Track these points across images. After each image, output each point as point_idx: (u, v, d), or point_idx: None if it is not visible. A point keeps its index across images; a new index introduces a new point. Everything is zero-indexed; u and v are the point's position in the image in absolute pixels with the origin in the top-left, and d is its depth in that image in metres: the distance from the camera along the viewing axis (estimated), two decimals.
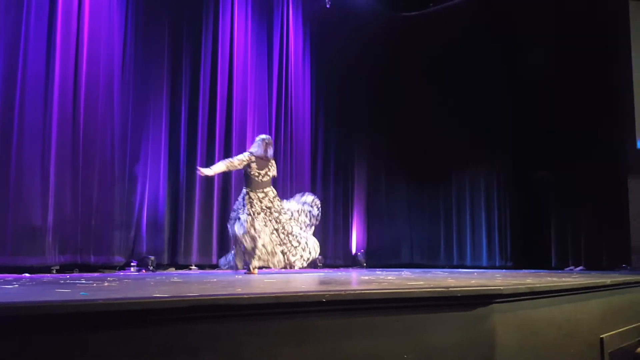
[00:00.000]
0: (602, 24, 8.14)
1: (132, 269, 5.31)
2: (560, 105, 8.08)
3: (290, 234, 4.98)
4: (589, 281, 3.10)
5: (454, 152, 8.62)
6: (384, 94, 8.53)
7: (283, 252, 4.90)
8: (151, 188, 5.71)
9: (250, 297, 1.69)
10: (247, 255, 4.74)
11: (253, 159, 4.99)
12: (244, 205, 4.87)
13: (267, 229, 4.83)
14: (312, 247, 5.13)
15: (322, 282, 2.89)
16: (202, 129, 6.20)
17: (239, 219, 4.82)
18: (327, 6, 7.82)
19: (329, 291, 1.86)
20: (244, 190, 4.98)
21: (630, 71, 8.39)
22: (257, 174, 4.95)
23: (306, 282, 2.85)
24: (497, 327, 2.21)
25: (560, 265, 7.89)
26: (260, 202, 4.89)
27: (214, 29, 6.44)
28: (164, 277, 3.69)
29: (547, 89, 8.26)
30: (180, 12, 6.14)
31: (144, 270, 5.23)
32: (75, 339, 1.40)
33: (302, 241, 5.05)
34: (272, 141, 5.20)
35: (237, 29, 6.67)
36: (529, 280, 2.99)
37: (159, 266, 5.54)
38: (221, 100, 6.42)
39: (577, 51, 8.04)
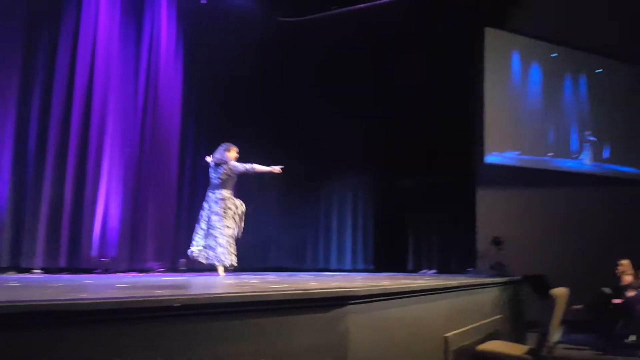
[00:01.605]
0: (462, 49, 8.87)
1: None
2: (423, 119, 8.65)
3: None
4: (437, 283, 3.32)
5: (325, 157, 8.82)
6: (259, 98, 8.46)
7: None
8: None
9: (92, 303, 1.56)
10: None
11: None
12: (229, 208, 5.29)
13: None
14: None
15: (179, 287, 2.77)
16: (55, 123, 5.64)
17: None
18: (202, 1, 7.61)
19: (182, 296, 1.78)
20: (229, 193, 5.37)
21: (483, 91, 9.24)
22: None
23: (161, 287, 2.71)
24: (351, 327, 2.27)
25: (416, 269, 8.42)
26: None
27: (77, 17, 5.95)
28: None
29: (413, 103, 8.80)
30: None
31: None
32: None
33: None
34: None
35: (102, 21, 6.22)
36: (385, 283, 3.12)
37: None
38: (80, 95, 5.90)
39: (441, 72, 8.67)
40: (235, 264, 5.34)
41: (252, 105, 8.37)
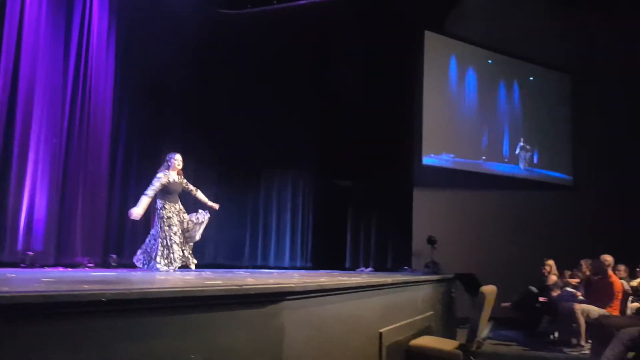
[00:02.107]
0: (401, 50, 9.05)
1: None
2: (363, 119, 8.77)
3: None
4: (372, 280, 3.36)
5: (265, 155, 8.78)
6: (195, 92, 8.29)
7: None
8: None
9: (13, 297, 1.47)
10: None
11: None
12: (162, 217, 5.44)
13: None
14: None
15: (108, 282, 2.67)
16: None
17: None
18: None
19: (110, 290, 1.71)
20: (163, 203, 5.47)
21: (422, 95, 9.48)
22: None
23: (90, 282, 2.61)
24: (286, 323, 2.26)
25: (353, 267, 8.53)
26: None
27: (1, 6, 5.64)
28: None
29: (353, 105, 8.90)
30: None
31: None
32: None
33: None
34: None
35: (29, 9, 5.90)
36: (321, 279, 3.13)
37: None
38: (3, 84, 5.61)
39: (380, 74, 8.80)
40: (170, 269, 5.31)
41: (188, 100, 8.20)
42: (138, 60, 7.53)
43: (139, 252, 5.47)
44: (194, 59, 8.20)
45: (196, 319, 1.96)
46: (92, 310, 1.65)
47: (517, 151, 10.58)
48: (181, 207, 5.59)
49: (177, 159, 5.58)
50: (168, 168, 5.54)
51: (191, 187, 5.78)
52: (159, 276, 3.86)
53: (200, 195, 5.83)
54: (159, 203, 5.47)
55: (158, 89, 7.80)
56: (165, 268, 5.25)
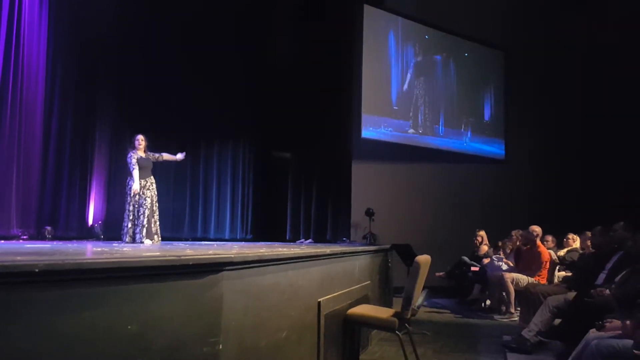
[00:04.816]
0: (341, 23, 9.05)
1: None
2: (303, 93, 8.76)
3: None
4: (311, 251, 3.43)
5: (205, 127, 8.65)
6: (133, 65, 8.00)
7: None
8: None
9: None
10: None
11: None
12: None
13: None
14: None
15: (43, 253, 2.61)
16: None
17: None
18: None
19: (43, 261, 1.69)
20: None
21: (361, 68, 9.55)
22: None
23: (23, 253, 2.54)
24: (225, 292, 2.29)
25: (294, 238, 8.62)
26: None
27: None
28: None
29: (293, 77, 8.87)
30: None
31: None
32: None
33: None
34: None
35: None
36: (261, 250, 3.17)
37: None
38: None
39: (320, 46, 8.77)
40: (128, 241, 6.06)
41: (124, 72, 7.95)
42: (72, 29, 7.27)
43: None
44: (131, 28, 7.92)
45: (133, 290, 1.96)
46: (25, 281, 1.63)
47: (452, 126, 10.90)
48: (148, 182, 6.23)
49: (138, 139, 6.35)
50: (134, 148, 6.28)
51: (156, 155, 6.47)
52: (95, 248, 3.79)
53: (166, 156, 6.59)
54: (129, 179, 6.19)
55: (91, 62, 7.55)
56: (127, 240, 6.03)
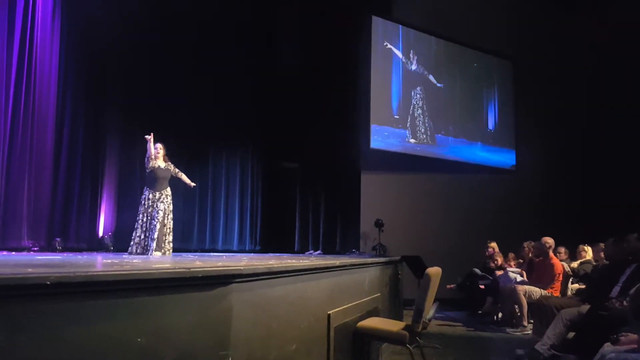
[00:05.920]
0: (349, 34, 9.10)
1: None
2: (311, 104, 8.79)
3: None
4: (320, 263, 3.41)
5: (213, 138, 8.69)
6: (143, 74, 8.07)
7: None
8: None
9: None
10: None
11: None
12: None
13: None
14: None
15: (54, 265, 2.61)
16: None
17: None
18: None
19: (54, 273, 1.69)
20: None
21: (369, 79, 9.57)
22: None
23: (34, 265, 2.55)
24: (234, 305, 2.27)
25: (302, 250, 8.60)
26: None
27: None
28: None
29: (301, 87, 8.90)
30: None
31: None
32: None
33: None
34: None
35: None
36: (270, 262, 3.16)
37: None
38: None
39: (328, 58, 8.82)
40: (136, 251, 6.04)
41: (134, 81, 8.01)
42: (82, 41, 7.34)
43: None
44: (140, 40, 8.00)
45: (143, 302, 1.95)
46: (36, 293, 1.62)
47: (461, 136, 10.87)
48: (163, 195, 6.18)
49: (157, 147, 6.29)
50: (154, 157, 6.27)
51: (176, 170, 6.48)
52: (105, 260, 3.79)
53: (183, 177, 6.58)
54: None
55: (101, 74, 7.63)
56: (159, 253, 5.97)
